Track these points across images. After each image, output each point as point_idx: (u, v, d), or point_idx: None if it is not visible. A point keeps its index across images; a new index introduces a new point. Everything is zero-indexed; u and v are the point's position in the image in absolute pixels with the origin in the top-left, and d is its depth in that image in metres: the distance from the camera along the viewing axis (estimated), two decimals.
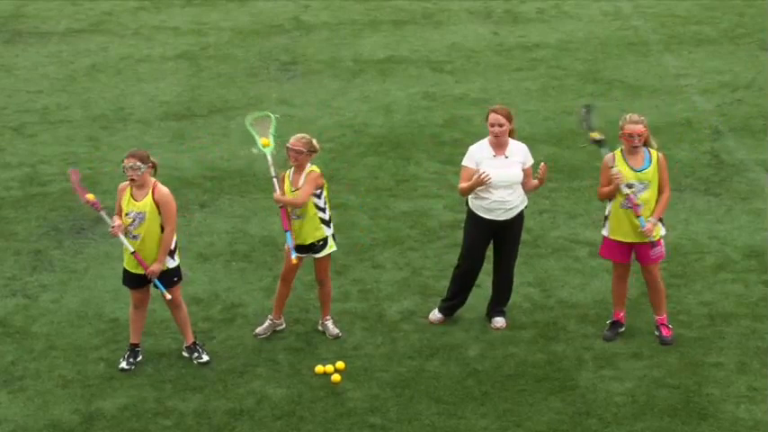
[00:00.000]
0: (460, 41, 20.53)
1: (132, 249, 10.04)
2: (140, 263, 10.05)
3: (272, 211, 13.50)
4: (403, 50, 20.09)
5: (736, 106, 16.93)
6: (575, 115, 16.63)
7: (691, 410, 9.53)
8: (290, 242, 10.51)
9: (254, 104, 17.23)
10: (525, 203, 10.78)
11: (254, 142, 10.80)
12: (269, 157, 10.64)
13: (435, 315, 11.01)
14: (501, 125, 10.43)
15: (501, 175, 10.47)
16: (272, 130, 10.80)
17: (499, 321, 10.94)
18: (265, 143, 10.74)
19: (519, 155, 10.59)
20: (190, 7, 23.27)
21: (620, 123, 10.25)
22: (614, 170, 10.19)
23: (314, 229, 10.56)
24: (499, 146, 10.54)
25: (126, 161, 10.00)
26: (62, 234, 13.05)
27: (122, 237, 10.04)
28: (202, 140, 15.95)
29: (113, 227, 10.03)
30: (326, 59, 19.62)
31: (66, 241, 12.87)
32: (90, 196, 10.19)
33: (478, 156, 10.56)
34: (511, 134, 10.61)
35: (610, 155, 10.30)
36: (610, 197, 10.35)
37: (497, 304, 11.04)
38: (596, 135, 10.44)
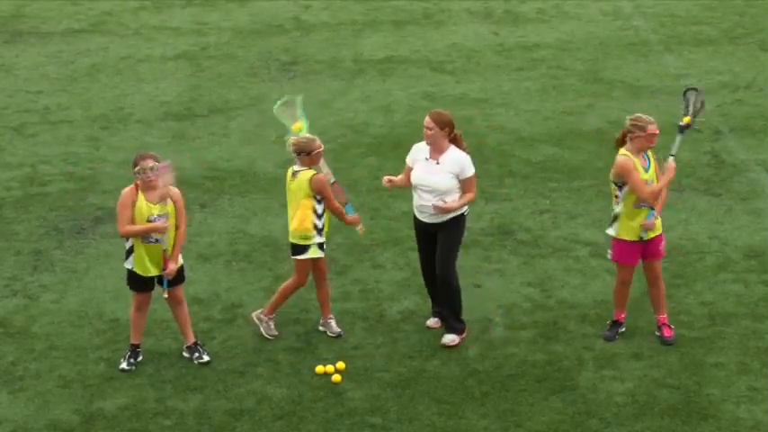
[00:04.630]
0: (460, 41, 20.52)
1: (166, 247, 10.02)
2: (165, 263, 10.04)
3: (272, 212, 13.51)
4: (403, 50, 20.08)
5: (736, 106, 16.92)
6: (575, 115, 16.66)
7: (691, 410, 9.53)
8: (351, 211, 10.62)
9: (255, 104, 17.23)
10: (460, 212, 10.46)
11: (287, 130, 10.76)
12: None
13: (431, 320, 10.98)
14: (429, 129, 10.32)
15: (425, 179, 10.39)
16: (300, 111, 10.74)
17: (446, 338, 10.60)
18: (298, 128, 10.68)
19: (453, 165, 10.34)
20: (190, 7, 23.27)
21: (640, 125, 10.10)
22: (671, 162, 10.18)
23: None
24: (434, 150, 10.41)
25: (143, 162, 9.90)
26: (62, 234, 13.04)
27: (163, 236, 10.00)
28: (202, 140, 15.95)
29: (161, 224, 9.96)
30: (326, 59, 19.61)
31: (67, 241, 12.87)
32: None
33: (415, 155, 10.56)
34: (456, 142, 10.44)
35: (628, 159, 10.10)
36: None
37: (447, 312, 10.67)
38: (688, 120, 10.39)
